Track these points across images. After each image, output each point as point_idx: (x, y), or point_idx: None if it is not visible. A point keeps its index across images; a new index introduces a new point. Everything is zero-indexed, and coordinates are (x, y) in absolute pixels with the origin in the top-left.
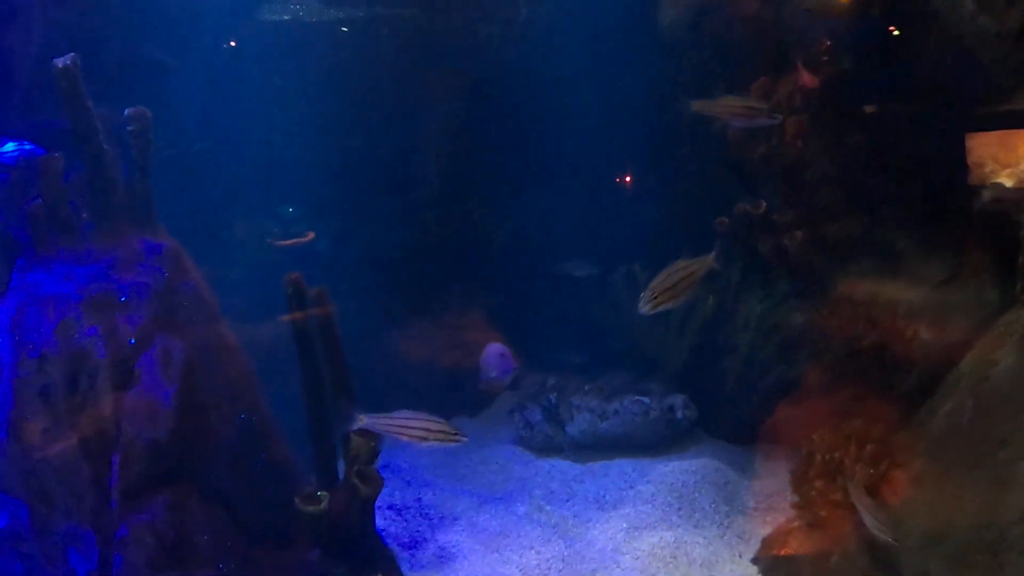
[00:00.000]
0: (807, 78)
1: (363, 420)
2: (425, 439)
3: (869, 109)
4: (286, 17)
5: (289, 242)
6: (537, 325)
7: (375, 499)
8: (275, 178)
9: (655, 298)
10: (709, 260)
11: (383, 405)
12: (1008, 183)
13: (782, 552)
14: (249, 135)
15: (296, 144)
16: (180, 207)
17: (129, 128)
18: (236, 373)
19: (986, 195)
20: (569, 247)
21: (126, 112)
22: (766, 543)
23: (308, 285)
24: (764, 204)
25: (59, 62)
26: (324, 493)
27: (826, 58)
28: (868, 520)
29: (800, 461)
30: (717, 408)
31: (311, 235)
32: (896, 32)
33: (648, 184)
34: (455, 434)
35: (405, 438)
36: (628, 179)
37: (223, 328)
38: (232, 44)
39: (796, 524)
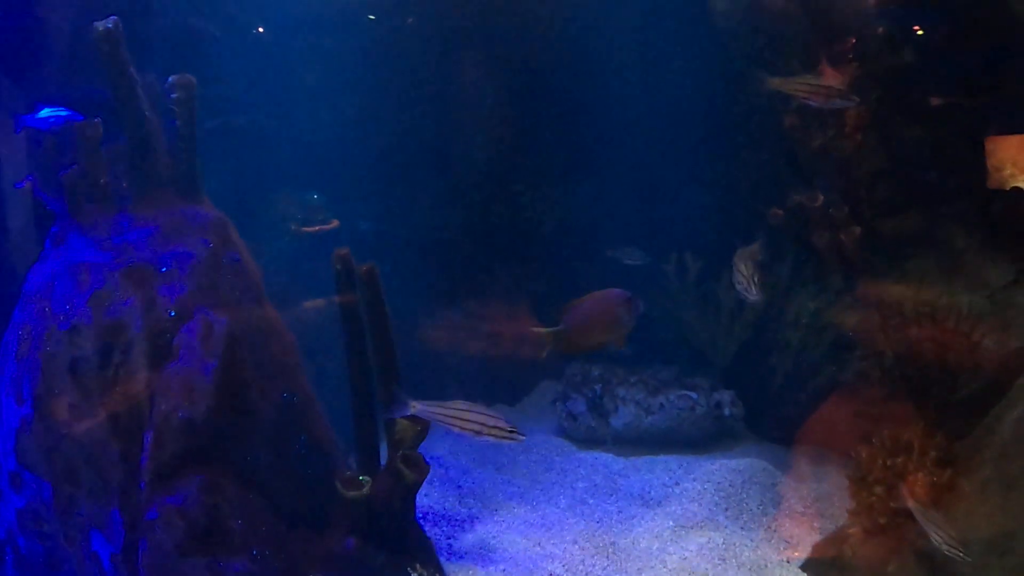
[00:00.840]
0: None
1: (416, 407)
2: (480, 433)
3: (933, 101)
4: None
5: (314, 228)
6: None
7: (420, 486)
8: (320, 156)
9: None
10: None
11: (423, 389)
12: None
13: (836, 558)
14: (295, 111)
15: (343, 122)
16: (222, 180)
17: (173, 95)
18: (279, 350)
19: None
20: (620, 234)
21: (170, 79)
22: (817, 548)
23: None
24: (822, 197)
25: (100, 25)
26: (366, 478)
27: (885, 48)
28: (931, 532)
29: (857, 465)
30: (764, 406)
31: (335, 223)
32: (959, 21)
33: (701, 173)
34: (512, 431)
35: (458, 429)
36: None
37: (267, 304)
38: (260, 30)
39: (852, 530)
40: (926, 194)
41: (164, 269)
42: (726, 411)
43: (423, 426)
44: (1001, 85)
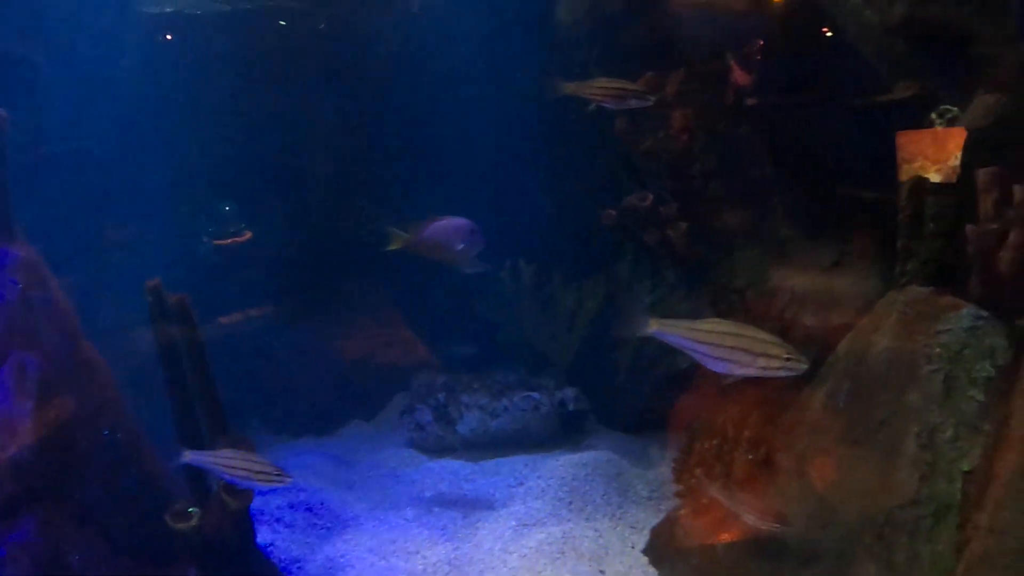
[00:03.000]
0: (740, 75)
1: (188, 456)
2: (248, 478)
3: (751, 102)
4: (168, 10)
5: (227, 240)
6: (430, 323)
7: (246, 512)
8: (159, 178)
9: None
10: None
11: (276, 409)
12: (936, 178)
13: (670, 540)
14: (127, 134)
15: (178, 143)
16: (44, 211)
17: None
18: (98, 388)
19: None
20: None
21: None
22: (654, 532)
23: (192, 288)
24: (651, 196)
25: None
26: (195, 509)
27: (713, 54)
28: (740, 512)
29: (681, 449)
30: (611, 400)
31: (249, 234)
32: (781, 27)
33: (538, 179)
34: (279, 475)
35: (229, 475)
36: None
37: (83, 341)
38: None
39: (681, 512)
40: (755, 190)
41: None
42: (570, 407)
43: (246, 450)
44: (817, 86)
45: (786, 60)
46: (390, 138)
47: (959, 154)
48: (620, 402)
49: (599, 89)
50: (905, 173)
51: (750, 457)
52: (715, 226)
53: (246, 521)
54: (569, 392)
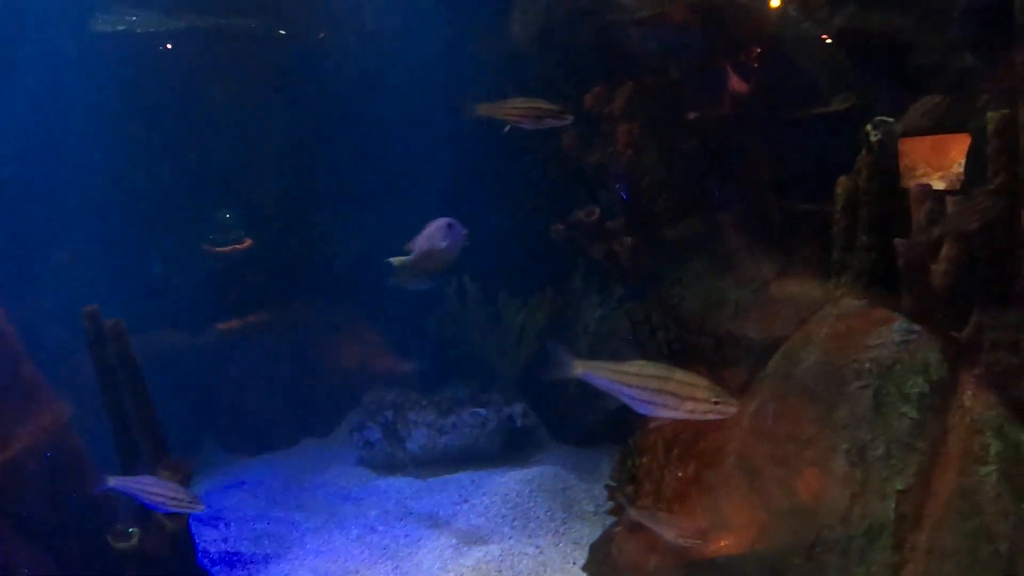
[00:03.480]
0: (765, 72)
1: (111, 481)
2: (164, 504)
3: (693, 115)
4: (121, 28)
5: (227, 248)
6: (381, 340)
7: (186, 532)
8: (106, 200)
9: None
10: None
11: (230, 428)
12: (940, 185)
13: (607, 557)
14: (77, 154)
15: (130, 162)
16: None
17: None
18: (40, 410)
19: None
20: None
21: None
22: (593, 549)
23: (144, 308)
24: (597, 211)
25: None
26: (135, 529)
27: (658, 68)
28: (659, 530)
29: (614, 467)
30: (562, 414)
31: (248, 242)
32: (724, 41)
33: (489, 193)
34: (191, 502)
35: (147, 501)
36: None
37: (24, 365)
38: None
39: (616, 530)
40: (703, 201)
41: None
42: (518, 423)
43: (183, 475)
44: (761, 97)
45: (728, 74)
46: (341, 155)
47: (963, 161)
48: (571, 416)
49: (513, 109)
50: (906, 181)
51: (680, 475)
52: (663, 238)
53: (186, 541)
54: (517, 407)
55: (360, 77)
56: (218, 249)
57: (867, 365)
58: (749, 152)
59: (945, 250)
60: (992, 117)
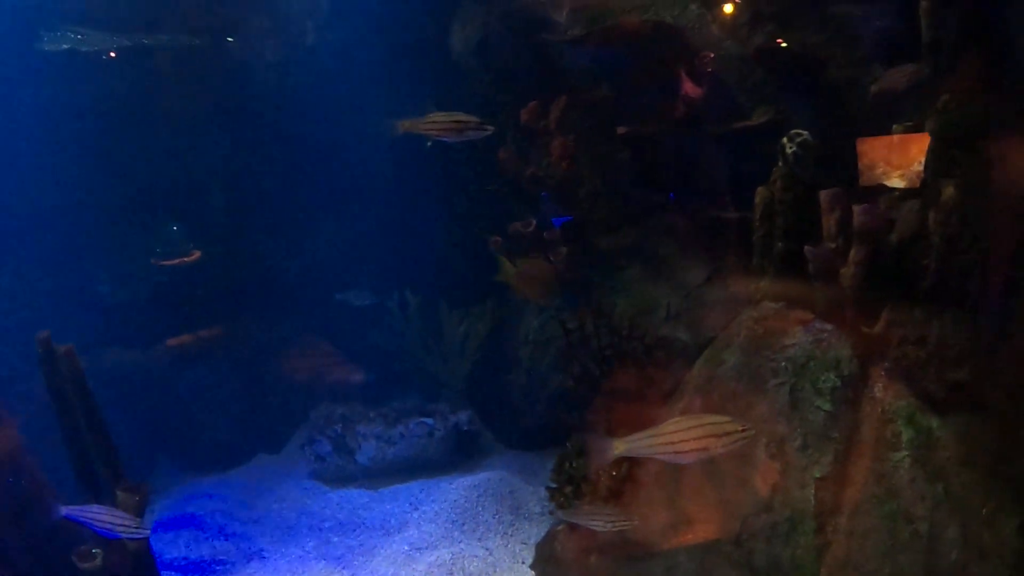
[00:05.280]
0: (690, 87)
1: (63, 510)
2: (112, 530)
3: (623, 130)
4: (65, 47)
5: (175, 261)
6: (329, 354)
7: (147, 552)
8: (51, 219)
9: None
10: None
11: (184, 447)
12: (900, 184)
13: (551, 555)
14: (23, 174)
15: (75, 182)
16: None
17: None
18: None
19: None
20: (350, 276)
21: None
22: (539, 548)
23: (93, 328)
24: (534, 222)
25: None
26: (99, 550)
27: (591, 84)
28: (590, 525)
29: (554, 467)
30: (508, 419)
31: (197, 254)
32: (653, 59)
33: (430, 207)
34: (136, 527)
35: (97, 527)
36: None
37: None
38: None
39: (559, 527)
40: (637, 211)
41: None
42: (465, 430)
43: (141, 496)
44: (688, 111)
45: (656, 90)
46: (285, 170)
47: (922, 160)
48: (517, 421)
49: (433, 124)
50: (866, 180)
51: (614, 474)
52: (598, 248)
53: (148, 559)
54: (463, 416)
55: (302, 93)
56: (166, 262)
57: (783, 364)
58: (678, 163)
59: (852, 254)
60: (896, 129)
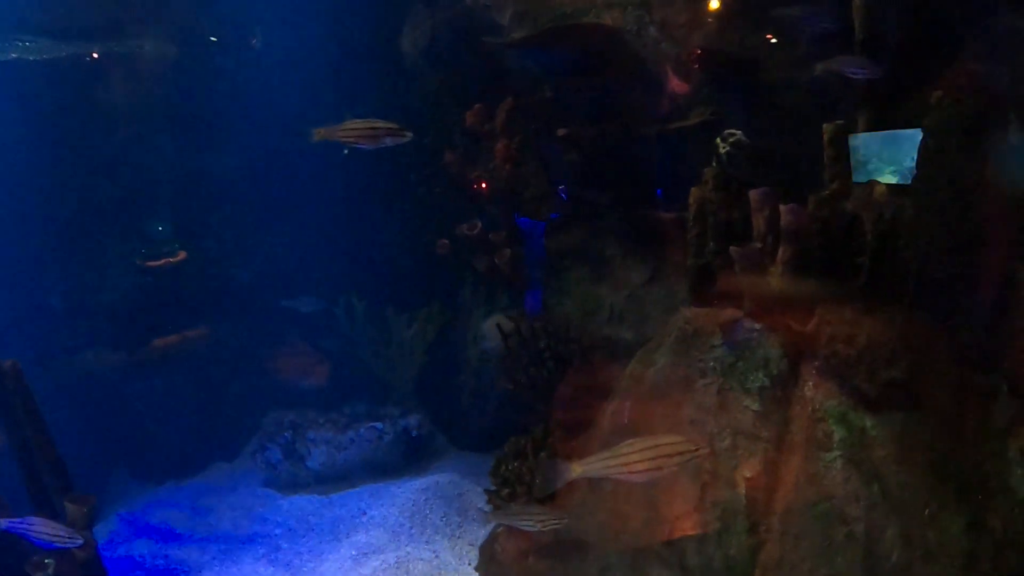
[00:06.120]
0: (677, 84)
1: (3, 523)
2: (50, 541)
3: (563, 132)
4: (13, 56)
5: (160, 262)
6: (279, 361)
7: (96, 561)
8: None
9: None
10: None
11: (140, 457)
12: (892, 180)
13: (493, 555)
14: None
15: (24, 192)
16: None
17: None
18: None
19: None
20: (297, 282)
21: None
22: (482, 550)
23: (46, 339)
24: (479, 224)
25: None
26: (51, 560)
27: (534, 86)
28: (521, 526)
29: (492, 470)
30: (458, 422)
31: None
32: (593, 61)
33: (377, 212)
34: (71, 537)
35: (35, 538)
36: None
37: None
38: None
39: (500, 529)
40: (583, 212)
41: None
42: (414, 433)
43: (88, 507)
44: (629, 112)
45: (596, 91)
46: (233, 176)
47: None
48: (467, 423)
49: (348, 131)
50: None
51: None
52: (550, 247)
53: (97, 568)
54: (413, 419)
55: (251, 98)
56: (150, 263)
57: (711, 364)
58: (619, 164)
59: (780, 253)
60: (827, 128)
